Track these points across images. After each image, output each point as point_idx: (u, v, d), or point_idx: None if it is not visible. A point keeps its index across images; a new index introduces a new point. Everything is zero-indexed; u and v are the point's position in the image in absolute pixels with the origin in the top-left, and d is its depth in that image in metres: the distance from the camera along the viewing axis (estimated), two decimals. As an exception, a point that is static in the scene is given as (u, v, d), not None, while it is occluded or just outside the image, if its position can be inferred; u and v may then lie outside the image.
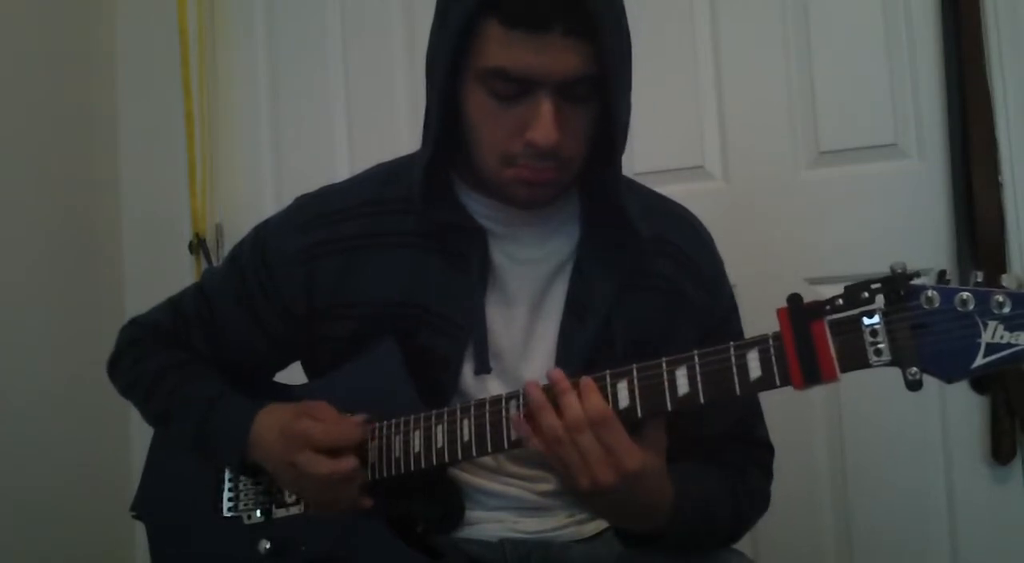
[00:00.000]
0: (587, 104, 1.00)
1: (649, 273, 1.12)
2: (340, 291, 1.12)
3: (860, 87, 1.68)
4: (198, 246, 2.04)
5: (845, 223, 1.68)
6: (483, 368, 1.07)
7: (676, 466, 0.98)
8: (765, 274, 1.64)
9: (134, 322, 1.27)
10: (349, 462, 1.02)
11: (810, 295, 0.88)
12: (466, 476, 1.10)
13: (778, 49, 1.74)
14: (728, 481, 1.08)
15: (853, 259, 1.64)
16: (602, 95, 1.00)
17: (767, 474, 1.17)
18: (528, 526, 1.10)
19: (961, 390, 1.59)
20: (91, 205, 2.07)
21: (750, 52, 1.76)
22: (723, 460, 1.11)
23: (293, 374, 1.24)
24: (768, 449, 1.19)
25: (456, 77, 1.01)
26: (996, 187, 1.57)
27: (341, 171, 1.80)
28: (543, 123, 0.96)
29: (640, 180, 1.22)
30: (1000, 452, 1.57)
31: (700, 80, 1.79)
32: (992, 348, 0.77)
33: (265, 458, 1.08)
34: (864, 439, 1.67)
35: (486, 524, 1.10)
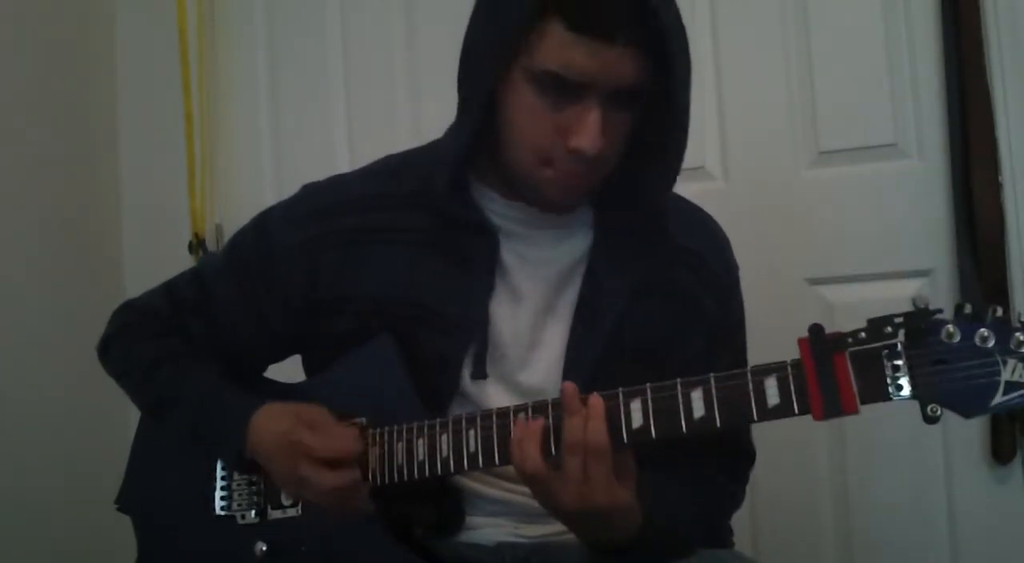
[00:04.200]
0: (629, 112, 1.00)
1: (666, 280, 1.11)
2: (342, 284, 1.10)
3: (860, 87, 1.68)
4: (197, 246, 2.04)
5: (845, 223, 1.67)
6: (480, 373, 1.06)
7: (647, 484, 0.96)
8: (765, 274, 1.63)
9: (128, 305, 1.24)
10: (352, 475, 1.01)
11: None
12: (466, 481, 1.09)
13: (778, 49, 1.74)
14: (699, 498, 1.08)
15: (853, 259, 1.64)
16: (640, 105, 1.00)
17: (740, 480, 1.17)
18: (528, 531, 1.09)
19: (961, 390, 1.59)
20: (91, 205, 2.07)
21: (750, 52, 1.75)
22: (695, 468, 1.09)
23: (291, 373, 1.23)
24: (749, 457, 1.19)
25: (499, 70, 0.99)
26: (996, 187, 1.57)
27: (341, 171, 1.79)
28: (591, 131, 0.95)
29: (639, 180, 1.22)
30: (1000, 452, 1.57)
31: (700, 80, 1.78)
32: (1011, 386, 0.78)
33: (264, 461, 1.07)
34: (864, 439, 1.67)
35: (485, 529, 1.09)
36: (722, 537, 1.15)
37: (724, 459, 1.15)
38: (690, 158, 1.75)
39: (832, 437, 1.69)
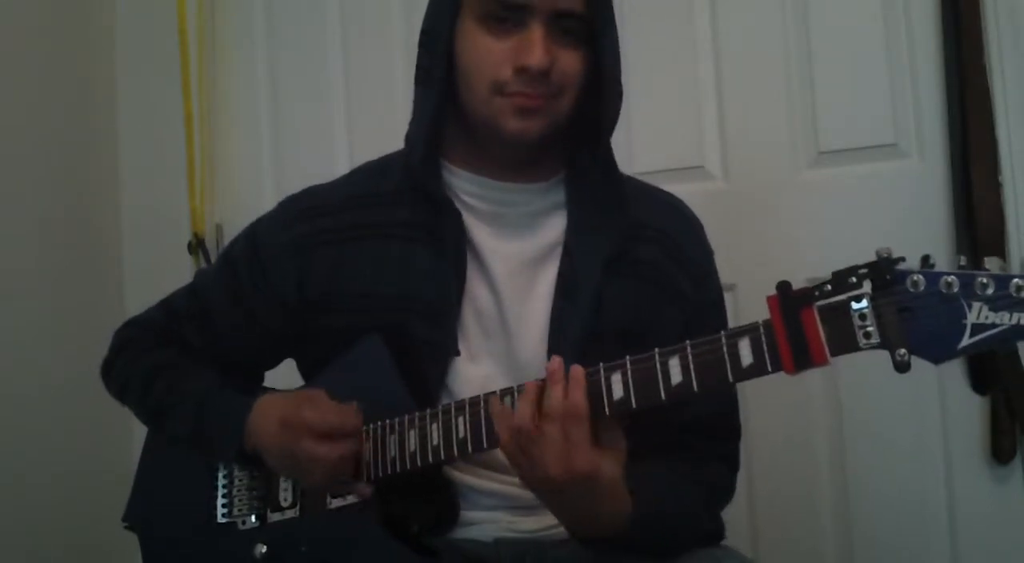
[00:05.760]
0: (576, 48, 1.05)
1: (636, 259, 1.13)
2: (331, 283, 1.12)
3: (860, 87, 1.68)
4: (197, 246, 2.04)
5: (845, 223, 1.67)
6: (455, 350, 1.08)
7: (643, 474, 0.98)
8: (765, 274, 1.62)
9: (128, 324, 1.28)
10: (350, 446, 1.03)
11: (792, 284, 0.88)
12: (461, 475, 1.10)
13: (778, 49, 1.74)
14: (696, 486, 1.08)
15: (853, 259, 1.61)
16: (592, 49, 1.05)
17: (733, 467, 1.18)
18: (523, 525, 1.10)
19: (961, 390, 1.60)
20: (91, 205, 2.07)
21: (750, 52, 1.76)
22: (689, 454, 1.11)
23: (287, 378, 1.23)
24: (736, 435, 1.19)
25: (452, 28, 1.05)
26: (996, 187, 1.57)
27: (341, 171, 1.80)
28: (535, 47, 1.01)
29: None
30: (1000, 452, 1.57)
31: (700, 80, 1.79)
32: (977, 328, 0.78)
33: (264, 446, 1.08)
34: (864, 439, 1.66)
35: (482, 524, 1.10)
36: (716, 530, 1.15)
37: (714, 443, 1.16)
38: (690, 158, 1.79)
39: (832, 437, 1.69)
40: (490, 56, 1.03)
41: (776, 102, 1.74)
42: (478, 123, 1.08)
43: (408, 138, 1.13)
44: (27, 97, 1.92)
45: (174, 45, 2.06)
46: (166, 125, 2.08)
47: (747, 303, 1.65)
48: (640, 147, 1.75)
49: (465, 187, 1.12)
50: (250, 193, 2.04)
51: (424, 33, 1.10)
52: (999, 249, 1.55)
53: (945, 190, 1.62)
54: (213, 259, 2.02)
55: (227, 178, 2.09)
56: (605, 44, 1.06)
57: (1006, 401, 1.55)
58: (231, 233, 2.02)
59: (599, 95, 1.08)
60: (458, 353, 1.08)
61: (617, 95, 1.09)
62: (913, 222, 1.64)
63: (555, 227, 1.13)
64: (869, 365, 0.89)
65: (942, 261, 1.60)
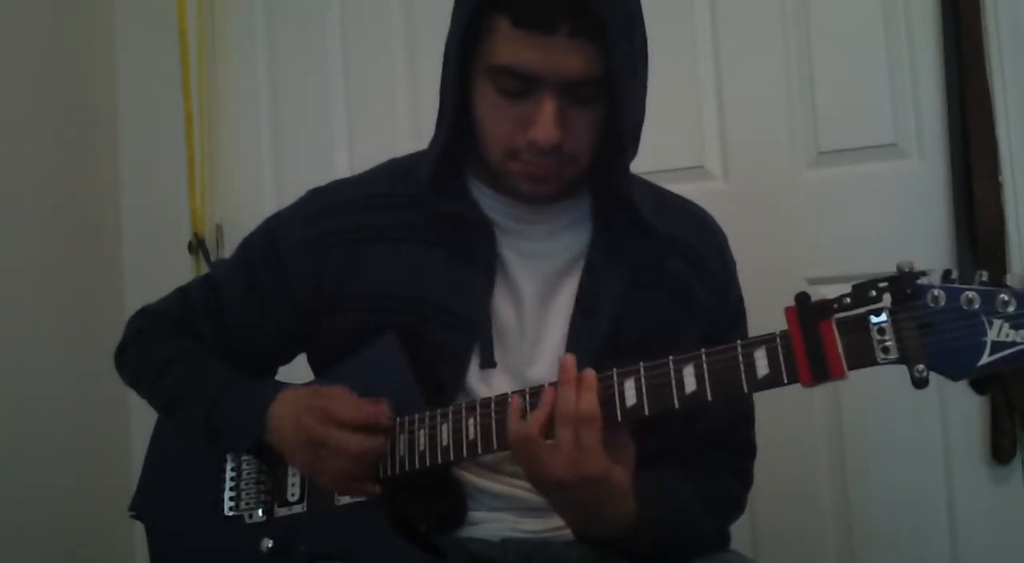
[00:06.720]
0: (593, 105, 1.01)
1: (660, 271, 1.12)
2: (347, 282, 1.12)
3: (860, 87, 1.68)
4: (197, 246, 2.04)
5: (845, 223, 1.68)
6: (488, 362, 1.07)
7: (648, 480, 0.98)
8: (765, 274, 1.63)
9: (142, 311, 1.27)
10: (379, 440, 1.02)
11: (811, 295, 0.88)
12: (468, 476, 1.10)
13: (778, 49, 1.74)
14: (702, 497, 1.09)
15: (853, 259, 1.64)
16: (612, 94, 1.01)
17: (745, 481, 1.18)
18: (530, 526, 1.10)
19: (961, 390, 1.59)
20: (91, 205, 2.07)
21: (750, 52, 1.75)
22: (702, 466, 1.11)
23: (296, 375, 1.23)
24: (750, 452, 1.19)
25: (469, 70, 1.03)
26: (996, 187, 1.57)
27: (341, 171, 1.80)
28: (544, 122, 0.98)
29: (640, 180, 1.22)
30: (1000, 452, 1.57)
31: (700, 80, 1.79)
32: (998, 346, 0.78)
33: (283, 436, 1.07)
34: (864, 439, 1.67)
35: (488, 524, 1.10)
36: (721, 542, 1.15)
37: (728, 456, 1.16)
38: (690, 158, 1.79)
39: (832, 437, 1.69)
40: (503, 122, 1.02)
41: (776, 102, 1.74)
42: (493, 173, 1.08)
43: (424, 157, 1.12)
44: (27, 97, 1.92)
45: (174, 45, 2.06)
46: (166, 125, 2.08)
47: (747, 303, 1.65)
48: (640, 147, 1.74)
49: (489, 203, 1.12)
50: (250, 193, 2.04)
51: (443, 59, 1.08)
52: (999, 249, 1.55)
53: (945, 190, 1.62)
54: (213, 259, 2.02)
55: (227, 178, 2.09)
56: (629, 101, 1.01)
57: (1006, 401, 1.55)
58: (231, 233, 2.03)
59: (618, 128, 1.05)
60: (490, 364, 1.07)
61: (634, 141, 1.06)
62: (913, 222, 1.64)
63: (578, 240, 1.12)
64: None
65: (942, 262, 1.61)
